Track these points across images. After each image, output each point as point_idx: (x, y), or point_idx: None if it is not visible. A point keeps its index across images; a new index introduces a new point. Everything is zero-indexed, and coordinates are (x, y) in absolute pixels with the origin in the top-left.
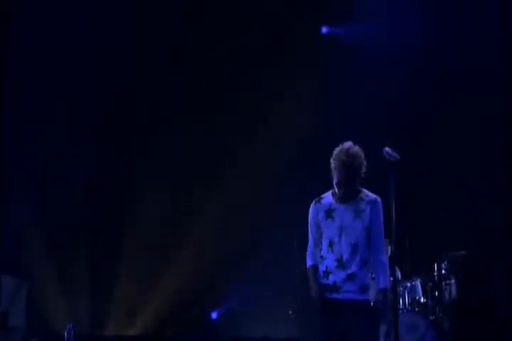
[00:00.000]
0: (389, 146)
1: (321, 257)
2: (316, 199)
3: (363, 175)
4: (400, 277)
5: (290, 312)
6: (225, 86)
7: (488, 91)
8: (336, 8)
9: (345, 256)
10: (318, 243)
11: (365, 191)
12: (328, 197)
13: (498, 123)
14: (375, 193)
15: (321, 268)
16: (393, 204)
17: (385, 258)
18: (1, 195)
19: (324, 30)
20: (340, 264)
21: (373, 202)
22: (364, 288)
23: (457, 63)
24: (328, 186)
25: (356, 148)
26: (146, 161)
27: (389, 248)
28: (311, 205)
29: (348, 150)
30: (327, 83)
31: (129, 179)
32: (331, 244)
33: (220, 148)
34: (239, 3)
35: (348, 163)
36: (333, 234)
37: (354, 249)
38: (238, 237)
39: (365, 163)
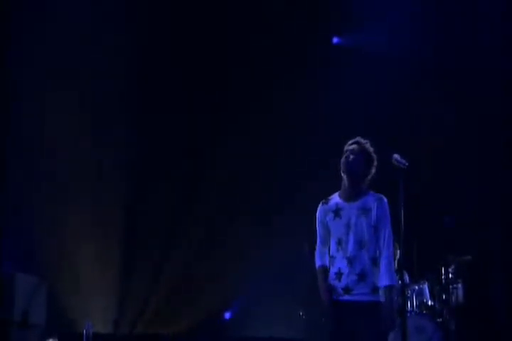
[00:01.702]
0: (397, 153)
1: (331, 257)
2: (323, 200)
3: (372, 171)
4: (408, 280)
5: (301, 313)
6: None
7: (488, 92)
8: (337, 15)
9: (352, 253)
10: (326, 242)
11: (372, 192)
12: (335, 197)
13: (498, 123)
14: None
15: (333, 269)
16: (402, 210)
17: (391, 256)
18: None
19: (335, 40)
20: (349, 261)
21: (380, 200)
22: (375, 290)
23: (457, 64)
24: (334, 189)
25: (366, 142)
26: None
27: (398, 252)
28: (319, 206)
29: (355, 140)
30: (327, 87)
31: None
32: (339, 242)
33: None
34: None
35: (355, 154)
36: (341, 233)
37: (360, 245)
38: (249, 239)
39: (375, 157)
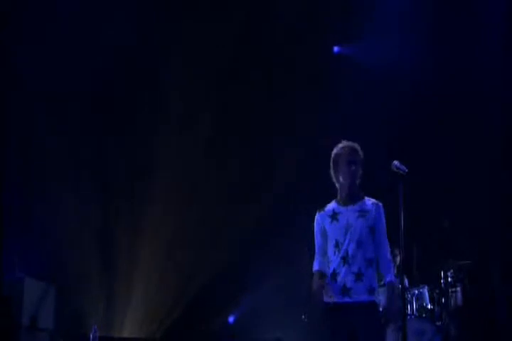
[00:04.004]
0: (397, 159)
1: (330, 262)
2: (319, 208)
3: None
4: (407, 284)
5: (303, 316)
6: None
7: (487, 93)
8: (339, 26)
9: (349, 252)
10: (324, 251)
11: (367, 197)
12: (331, 204)
13: (497, 131)
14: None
15: (328, 271)
16: (402, 215)
17: (389, 255)
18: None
19: (336, 49)
20: (346, 261)
21: (377, 204)
22: (371, 290)
23: (457, 68)
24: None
25: (357, 145)
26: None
27: (398, 257)
28: (316, 215)
29: (355, 147)
30: (328, 96)
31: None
32: (337, 245)
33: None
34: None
35: (357, 160)
36: (338, 235)
37: (358, 245)
38: (253, 243)
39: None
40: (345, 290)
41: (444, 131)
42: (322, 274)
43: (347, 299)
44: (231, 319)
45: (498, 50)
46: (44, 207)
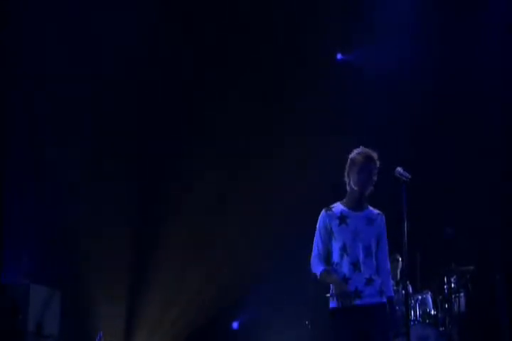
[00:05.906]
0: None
1: (334, 263)
2: (326, 208)
3: None
4: (411, 290)
5: (307, 322)
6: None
7: (487, 93)
8: (339, 29)
9: (361, 259)
10: (326, 249)
11: (370, 206)
12: (338, 206)
13: (497, 131)
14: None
15: (339, 277)
16: (405, 221)
17: (390, 267)
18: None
19: (339, 56)
20: (357, 267)
21: (381, 215)
22: (382, 292)
23: (457, 69)
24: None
25: (374, 153)
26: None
27: (400, 263)
28: (322, 213)
29: (370, 155)
30: (328, 98)
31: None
32: (344, 248)
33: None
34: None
35: (371, 169)
36: (347, 238)
37: (368, 251)
38: (256, 250)
39: None
40: (356, 293)
41: (444, 131)
42: (330, 271)
43: (358, 301)
44: (235, 325)
45: (498, 50)
46: (50, 212)
